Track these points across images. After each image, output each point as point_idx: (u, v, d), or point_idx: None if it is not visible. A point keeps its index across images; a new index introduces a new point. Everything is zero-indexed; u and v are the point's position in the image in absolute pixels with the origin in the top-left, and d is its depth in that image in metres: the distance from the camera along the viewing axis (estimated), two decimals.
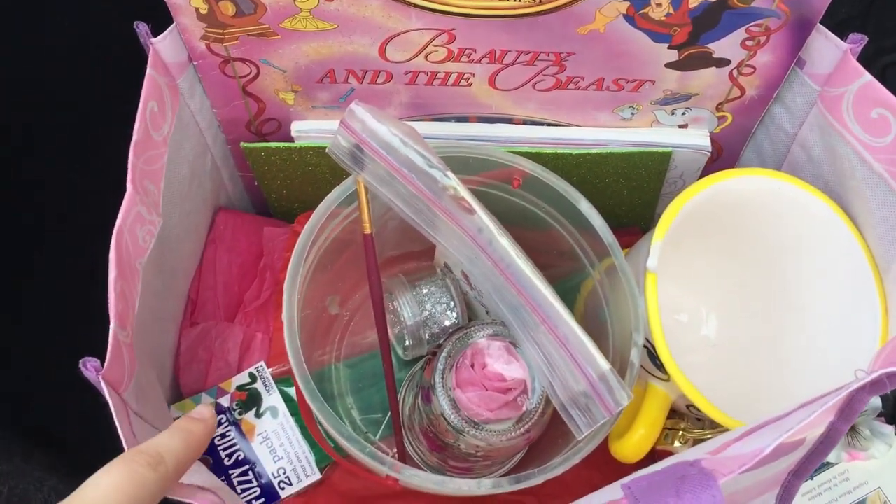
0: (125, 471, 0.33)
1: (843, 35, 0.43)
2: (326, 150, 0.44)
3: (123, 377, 0.38)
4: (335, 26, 0.44)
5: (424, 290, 0.53)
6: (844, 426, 0.40)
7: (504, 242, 0.42)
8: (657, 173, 0.52)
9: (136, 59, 0.45)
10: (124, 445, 0.35)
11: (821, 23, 0.43)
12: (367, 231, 0.45)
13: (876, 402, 0.68)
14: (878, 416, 0.68)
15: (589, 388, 0.40)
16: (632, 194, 0.54)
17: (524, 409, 0.43)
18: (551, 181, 0.47)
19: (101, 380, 0.35)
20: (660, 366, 0.44)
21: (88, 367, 0.35)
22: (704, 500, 0.32)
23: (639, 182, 0.53)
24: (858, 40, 0.42)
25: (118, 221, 0.40)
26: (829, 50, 0.43)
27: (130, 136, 0.42)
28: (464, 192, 0.42)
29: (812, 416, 0.33)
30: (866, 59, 0.62)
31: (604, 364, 0.40)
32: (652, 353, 0.44)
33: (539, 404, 0.43)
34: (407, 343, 0.53)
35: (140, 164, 0.43)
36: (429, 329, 0.52)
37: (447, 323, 0.52)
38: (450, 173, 0.42)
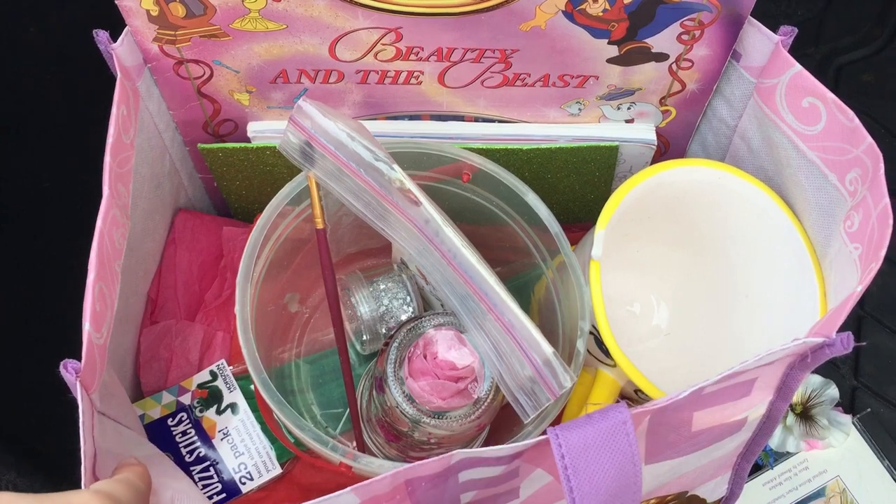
0: (97, 497, 0.31)
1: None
2: (277, 147, 0.45)
3: (94, 379, 0.38)
4: (284, 26, 0.45)
5: (381, 286, 0.54)
6: (783, 404, 0.42)
7: (450, 232, 0.43)
8: (606, 167, 0.53)
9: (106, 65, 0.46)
10: (82, 444, 0.35)
11: (776, 25, 0.44)
12: (320, 226, 0.46)
13: (834, 391, 0.69)
14: (836, 405, 0.69)
15: (534, 372, 0.41)
16: (584, 189, 0.56)
17: (475, 396, 0.44)
18: (499, 175, 0.49)
19: (77, 382, 0.35)
20: (606, 352, 0.45)
21: (69, 369, 0.35)
22: (611, 416, 0.33)
23: (589, 177, 0.54)
24: (789, 32, 0.44)
25: (98, 224, 0.40)
26: (761, 42, 0.45)
27: (92, 139, 0.43)
28: (410, 185, 0.43)
29: (728, 374, 0.34)
30: (822, 60, 0.64)
31: (547, 349, 0.41)
32: (599, 340, 0.45)
33: (489, 391, 0.44)
34: (364, 338, 0.54)
35: (115, 167, 0.43)
36: (386, 324, 0.53)
37: (404, 317, 0.53)
38: (396, 166, 0.43)
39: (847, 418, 0.69)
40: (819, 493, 0.68)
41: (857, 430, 0.69)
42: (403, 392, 0.44)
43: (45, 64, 0.63)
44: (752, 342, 0.50)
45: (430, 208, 0.43)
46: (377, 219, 0.45)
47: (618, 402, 0.51)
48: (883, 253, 0.37)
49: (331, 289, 0.47)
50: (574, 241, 0.53)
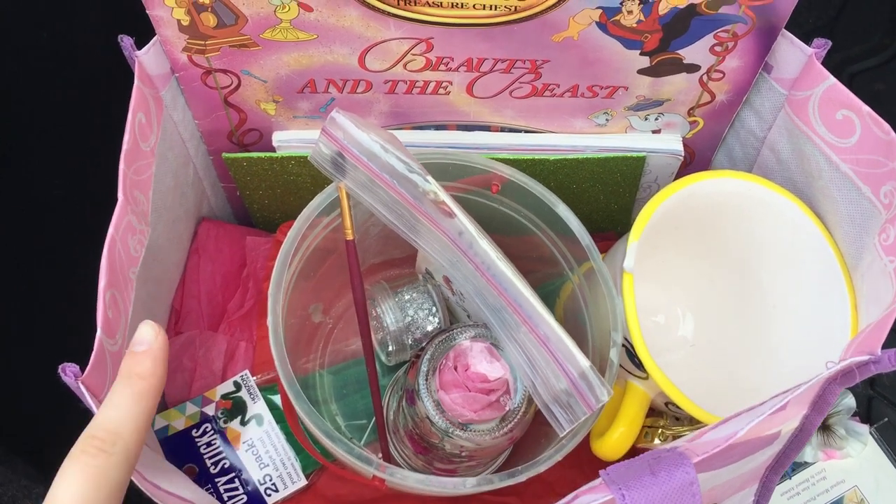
0: (80, 471, 0.31)
1: (809, 42, 0.45)
2: (308, 158, 0.45)
3: (105, 384, 0.38)
4: (315, 36, 0.45)
5: (406, 296, 0.53)
6: (818, 418, 0.42)
7: (484, 245, 0.43)
8: (632, 178, 0.53)
9: (119, 72, 0.45)
10: None
11: (789, 32, 0.44)
12: (350, 237, 0.46)
13: (850, 401, 0.69)
14: (853, 415, 0.69)
15: (570, 385, 0.41)
16: (608, 199, 0.55)
17: (507, 408, 0.44)
18: (529, 185, 0.48)
19: (80, 385, 0.35)
20: (638, 364, 0.45)
21: (67, 372, 0.35)
22: (677, 477, 0.33)
23: (615, 187, 0.54)
24: (822, 45, 0.44)
25: (110, 230, 0.40)
26: (794, 55, 0.45)
27: (115, 147, 0.43)
28: (444, 196, 0.43)
29: (783, 403, 0.34)
30: (834, 69, 0.64)
31: (584, 362, 0.41)
32: (631, 352, 0.45)
33: (521, 404, 0.44)
34: (390, 349, 0.53)
35: (130, 174, 0.43)
36: (411, 334, 0.53)
37: (429, 328, 0.53)
38: (430, 178, 0.43)
39: (864, 428, 0.69)
40: (838, 503, 0.68)
41: (875, 439, 0.69)
42: (434, 403, 0.44)
43: (61, 69, 0.62)
44: (781, 354, 0.50)
45: (464, 220, 0.43)
46: (409, 230, 0.44)
47: (649, 417, 0.51)
48: None
49: (360, 300, 0.47)
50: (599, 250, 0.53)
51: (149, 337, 0.35)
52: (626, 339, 0.45)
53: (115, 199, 0.41)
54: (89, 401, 0.36)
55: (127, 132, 0.43)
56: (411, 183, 0.43)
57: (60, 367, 0.35)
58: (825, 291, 0.48)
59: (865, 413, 0.72)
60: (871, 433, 0.70)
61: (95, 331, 0.37)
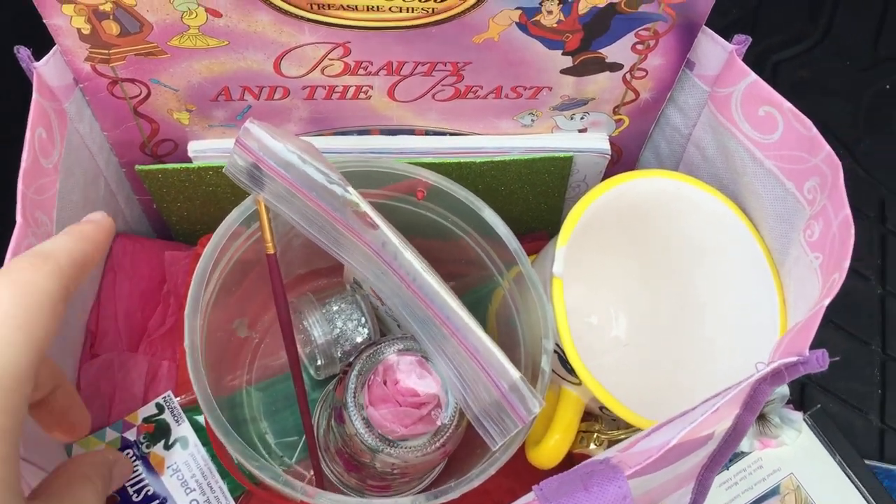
0: (8, 282, 0.30)
1: (730, 36, 0.44)
2: (223, 171, 0.43)
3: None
4: (226, 43, 0.43)
5: (334, 308, 0.52)
6: (750, 417, 0.41)
7: (409, 256, 0.41)
8: (560, 178, 0.52)
9: (20, 85, 0.43)
10: None
11: (711, 24, 0.44)
12: (271, 251, 0.44)
13: (784, 389, 0.70)
14: (787, 403, 0.70)
15: (501, 398, 0.40)
16: (538, 200, 0.55)
17: (438, 423, 0.43)
18: (454, 191, 0.47)
19: None
20: (571, 370, 0.44)
21: None
22: (610, 492, 0.32)
23: (543, 187, 0.53)
24: (743, 41, 0.44)
25: (8, 255, 0.38)
26: (715, 52, 0.45)
27: (15, 164, 0.40)
28: (366, 207, 0.41)
29: (715, 408, 0.33)
30: (757, 58, 0.64)
31: (514, 373, 0.40)
32: (563, 358, 0.44)
33: (453, 418, 0.43)
34: (319, 362, 0.52)
35: (30, 194, 0.41)
36: (341, 347, 0.51)
37: (359, 340, 0.51)
38: (350, 189, 0.41)
39: (798, 415, 0.70)
40: (774, 491, 0.69)
41: (809, 426, 0.70)
42: (363, 420, 0.43)
43: None
44: (714, 353, 0.50)
45: (387, 230, 0.41)
46: (331, 243, 0.43)
47: (583, 422, 0.50)
48: (847, 264, 0.37)
49: (284, 317, 0.45)
50: (528, 251, 0.52)
51: (98, 216, 0.38)
52: (557, 345, 0.44)
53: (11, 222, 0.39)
54: None
55: (26, 149, 0.41)
56: (331, 194, 0.41)
57: None
58: (754, 288, 0.48)
59: (799, 400, 0.73)
60: (805, 420, 0.71)
61: None
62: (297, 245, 0.51)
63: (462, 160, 0.50)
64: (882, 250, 0.79)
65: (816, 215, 0.41)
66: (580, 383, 0.44)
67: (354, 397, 0.43)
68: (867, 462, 0.69)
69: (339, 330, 0.51)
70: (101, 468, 0.37)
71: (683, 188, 0.47)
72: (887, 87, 0.86)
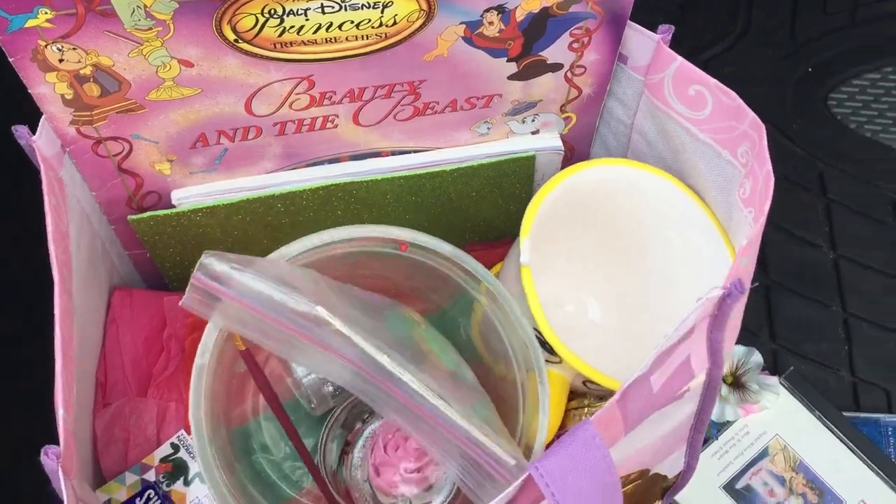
0: None
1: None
2: (180, 304, 0.44)
3: (73, 465, 0.38)
4: (199, 90, 0.47)
5: None
6: (717, 370, 0.45)
7: (385, 362, 0.43)
8: (525, 178, 0.56)
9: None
10: None
11: (636, 24, 0.49)
12: (242, 348, 0.46)
13: (758, 358, 0.74)
14: (762, 370, 0.74)
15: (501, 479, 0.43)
16: (507, 202, 0.58)
17: (433, 480, 0.47)
18: (428, 243, 0.50)
19: (59, 469, 0.36)
20: (550, 350, 0.48)
21: (50, 455, 0.35)
22: (579, 434, 0.36)
23: (510, 189, 0.57)
24: (667, 30, 0.49)
25: (57, 312, 0.42)
26: (644, 43, 0.49)
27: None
28: (339, 325, 0.43)
29: (662, 350, 0.37)
30: (687, 56, 0.68)
31: (512, 460, 0.42)
32: (542, 340, 0.48)
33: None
34: (312, 403, 0.54)
35: (59, 254, 0.44)
36: (330, 384, 0.53)
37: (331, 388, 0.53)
38: (318, 307, 0.43)
39: (774, 379, 0.74)
40: (764, 454, 0.72)
41: (785, 388, 0.74)
42: (371, 494, 0.46)
43: None
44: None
45: (361, 343, 0.43)
46: (300, 356, 0.44)
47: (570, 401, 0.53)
48: (767, 206, 0.41)
49: (276, 408, 0.47)
50: (502, 256, 0.56)
51: None
52: (535, 329, 0.48)
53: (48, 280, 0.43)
54: (63, 483, 0.36)
55: (48, 214, 0.44)
56: (300, 314, 0.43)
57: (42, 449, 0.36)
58: (709, 257, 0.52)
59: (773, 366, 0.77)
60: (781, 383, 0.74)
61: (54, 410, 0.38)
62: None
63: (433, 170, 0.54)
64: (828, 219, 0.84)
65: (748, 175, 0.45)
66: (561, 361, 0.48)
67: (361, 470, 0.47)
68: (845, 414, 0.73)
69: (310, 382, 0.53)
70: None
71: (629, 173, 0.52)
72: (809, 69, 0.92)
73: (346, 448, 0.47)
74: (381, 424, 0.46)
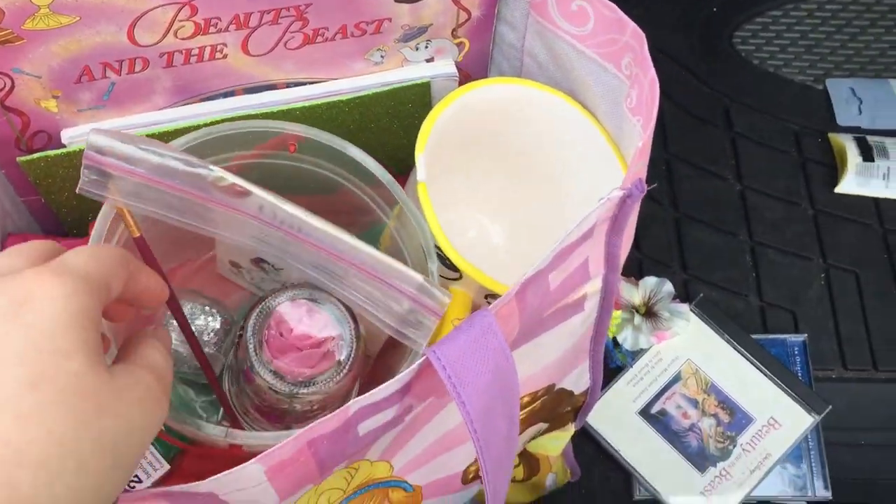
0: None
1: None
2: (77, 191, 0.42)
3: None
4: (77, 18, 0.46)
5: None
6: (613, 275, 0.46)
7: (288, 208, 0.43)
8: (422, 105, 0.56)
9: None
10: None
11: None
12: (136, 234, 0.44)
13: (669, 287, 0.76)
14: (673, 299, 0.76)
15: (412, 303, 0.43)
16: (407, 133, 0.58)
17: (339, 357, 0.47)
18: (322, 138, 0.50)
19: None
20: (451, 266, 0.48)
21: None
22: (476, 322, 0.37)
23: (409, 119, 0.57)
24: None
25: None
26: None
27: None
28: (233, 179, 0.43)
29: (557, 250, 0.38)
30: None
31: (417, 276, 0.43)
32: (442, 256, 0.48)
33: (352, 343, 0.47)
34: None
35: None
36: (209, 341, 0.54)
37: (216, 325, 0.54)
38: (212, 166, 0.42)
39: (685, 307, 0.76)
40: (677, 378, 0.74)
41: (696, 314, 0.76)
42: (272, 373, 0.46)
43: None
44: None
45: (260, 193, 0.43)
46: (200, 222, 0.43)
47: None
48: (655, 113, 0.42)
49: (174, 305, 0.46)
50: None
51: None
52: (436, 246, 0.48)
53: None
54: None
55: None
56: (195, 176, 0.42)
57: None
58: (605, 171, 0.53)
59: (684, 294, 0.79)
60: (691, 310, 0.77)
61: None
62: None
63: (330, 100, 0.54)
64: (734, 152, 0.86)
65: (632, 85, 0.46)
66: (461, 276, 0.48)
67: (257, 354, 0.46)
68: (753, 336, 0.76)
69: (196, 330, 0.53)
70: (159, 335, 0.39)
71: (521, 91, 0.52)
72: (714, 9, 0.94)
73: (238, 341, 0.47)
74: (272, 316, 0.47)
